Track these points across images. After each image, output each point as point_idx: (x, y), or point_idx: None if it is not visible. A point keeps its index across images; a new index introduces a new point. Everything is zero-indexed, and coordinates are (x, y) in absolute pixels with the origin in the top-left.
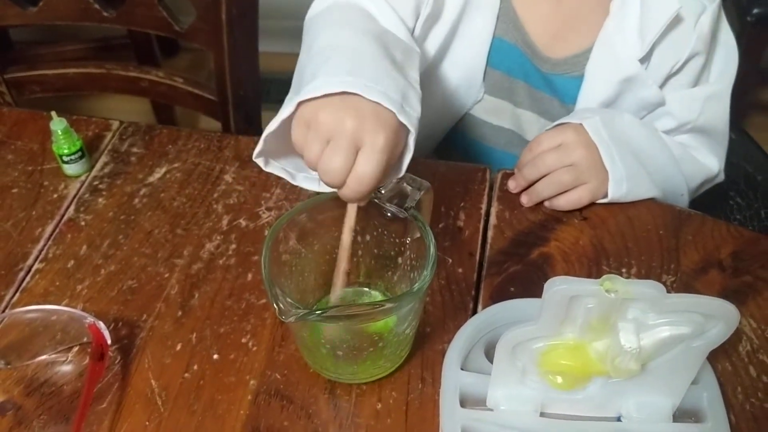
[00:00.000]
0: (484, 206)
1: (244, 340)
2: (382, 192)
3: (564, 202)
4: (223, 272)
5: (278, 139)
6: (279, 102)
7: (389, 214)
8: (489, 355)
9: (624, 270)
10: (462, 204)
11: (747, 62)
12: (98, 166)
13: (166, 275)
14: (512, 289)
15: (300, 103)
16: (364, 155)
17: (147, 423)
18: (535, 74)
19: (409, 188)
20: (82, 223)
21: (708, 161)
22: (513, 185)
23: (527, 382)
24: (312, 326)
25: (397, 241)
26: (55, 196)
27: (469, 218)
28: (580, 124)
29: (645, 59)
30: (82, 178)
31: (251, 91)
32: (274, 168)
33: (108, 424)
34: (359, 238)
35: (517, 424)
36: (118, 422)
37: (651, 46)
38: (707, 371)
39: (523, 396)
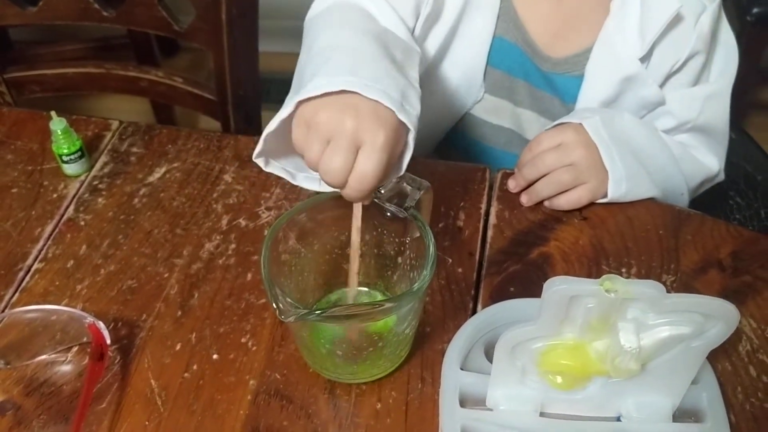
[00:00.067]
0: (483, 206)
1: (243, 340)
2: (382, 192)
3: (564, 202)
4: (222, 272)
5: (278, 138)
6: (279, 102)
7: (389, 214)
8: (489, 354)
9: (624, 270)
10: (462, 204)
11: (747, 62)
12: (98, 165)
13: (166, 275)
14: (512, 288)
15: (300, 103)
16: (365, 154)
17: (146, 423)
18: (536, 73)
19: (408, 188)
20: (82, 223)
21: (708, 160)
22: (513, 185)
23: (527, 382)
24: (311, 326)
25: (397, 240)
26: (55, 195)
27: (468, 218)
28: (580, 124)
29: (645, 58)
30: (82, 177)
31: (251, 91)
32: (274, 168)
33: (107, 424)
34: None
35: (517, 424)
36: (117, 422)
37: (651, 46)
38: (707, 371)
39: (522, 396)
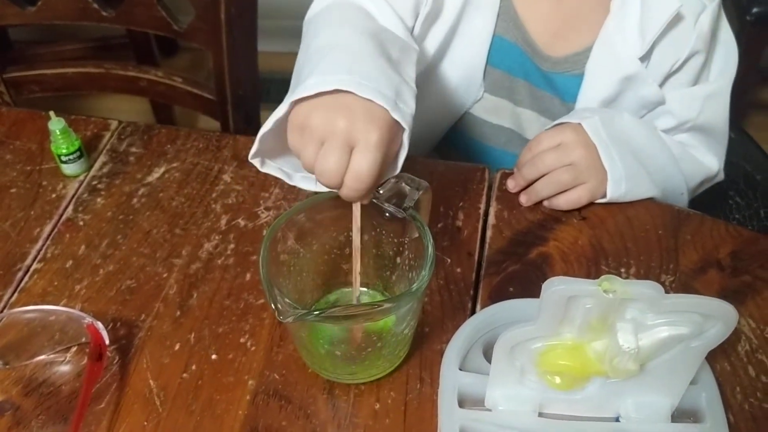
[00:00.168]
0: (482, 206)
1: (242, 340)
2: (381, 192)
3: (563, 202)
4: (221, 272)
5: (275, 138)
6: (278, 102)
7: (388, 214)
8: (487, 355)
9: (623, 270)
10: (461, 204)
11: (746, 61)
12: (97, 165)
13: (165, 275)
14: (511, 288)
15: (294, 103)
16: (359, 153)
17: (145, 423)
18: (536, 73)
19: (407, 188)
20: (81, 223)
21: (707, 160)
22: (512, 185)
23: (526, 383)
24: (310, 326)
25: (396, 241)
26: (54, 195)
27: (467, 218)
28: (579, 124)
29: (645, 58)
30: (81, 177)
31: (250, 91)
32: (271, 168)
33: (106, 424)
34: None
35: (516, 424)
36: (116, 422)
37: (651, 45)
38: (706, 371)
39: (521, 396)
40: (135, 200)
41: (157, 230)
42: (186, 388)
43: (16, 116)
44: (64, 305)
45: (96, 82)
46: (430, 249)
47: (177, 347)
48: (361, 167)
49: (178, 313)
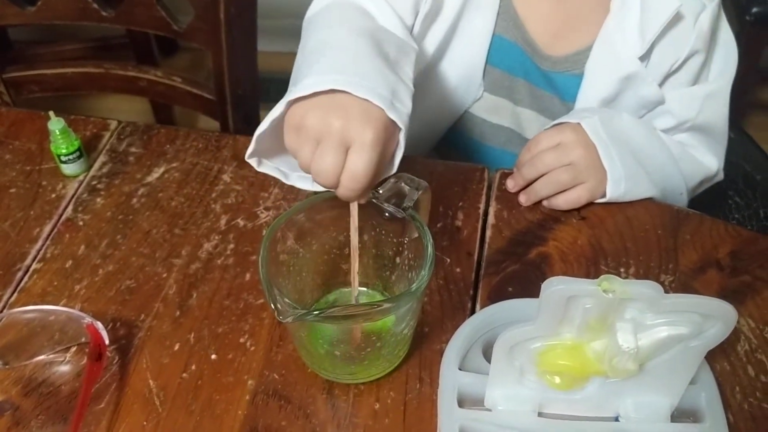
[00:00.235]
0: (482, 206)
1: (242, 340)
2: (380, 192)
3: (562, 202)
4: (221, 272)
5: (271, 138)
6: (278, 101)
7: (387, 214)
8: (487, 355)
9: (622, 270)
10: (460, 203)
11: (746, 61)
12: (96, 165)
13: (164, 275)
14: (510, 288)
15: (291, 103)
16: (354, 153)
17: (145, 423)
18: (536, 72)
19: (407, 188)
20: (80, 223)
21: (707, 160)
22: (511, 184)
23: (525, 382)
24: (310, 326)
25: (395, 240)
26: (53, 195)
27: (467, 218)
28: (579, 124)
29: (645, 57)
30: (80, 177)
31: (250, 91)
32: (267, 168)
33: (106, 424)
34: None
35: (515, 424)
36: (116, 422)
37: (651, 45)
38: (705, 371)
39: (521, 396)
40: (134, 200)
41: (157, 230)
42: (186, 388)
43: (15, 116)
44: (64, 305)
45: (96, 82)
46: (430, 249)
47: (177, 347)
48: (357, 167)
49: (178, 313)
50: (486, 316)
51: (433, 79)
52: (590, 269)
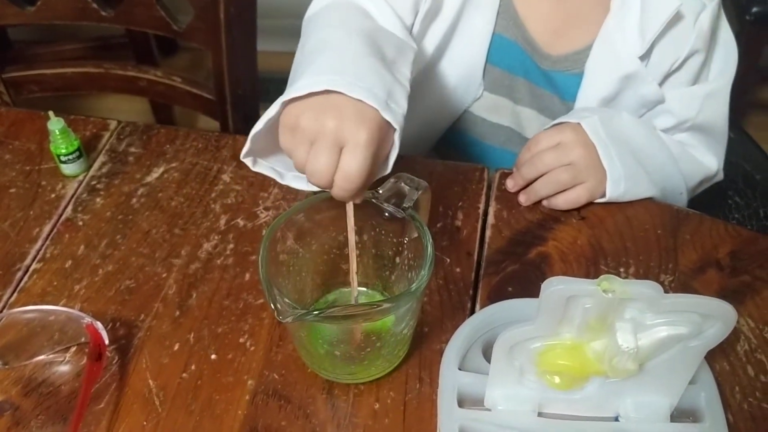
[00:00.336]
0: (482, 206)
1: (241, 340)
2: (380, 192)
3: (562, 201)
4: (220, 272)
5: (267, 138)
6: None
7: (387, 214)
8: (487, 354)
9: (622, 269)
10: (460, 203)
11: (746, 61)
12: (96, 165)
13: (164, 275)
14: (510, 288)
15: (286, 104)
16: (348, 153)
17: (145, 423)
18: (536, 71)
19: (406, 188)
20: (80, 223)
21: (707, 160)
22: (511, 184)
23: (525, 382)
24: (309, 326)
25: (395, 240)
26: (53, 195)
27: (467, 218)
28: (579, 124)
29: (645, 56)
30: (80, 177)
31: (249, 91)
32: (263, 168)
33: (106, 424)
34: (357, 238)
35: (515, 424)
36: (115, 422)
37: (651, 44)
38: (705, 371)
39: (520, 396)
40: (134, 200)
41: (157, 230)
42: (185, 388)
43: (15, 116)
44: (64, 305)
45: (95, 82)
46: (430, 249)
47: (176, 347)
48: (351, 167)
49: (178, 313)
50: (486, 316)
51: (432, 78)
52: (590, 269)
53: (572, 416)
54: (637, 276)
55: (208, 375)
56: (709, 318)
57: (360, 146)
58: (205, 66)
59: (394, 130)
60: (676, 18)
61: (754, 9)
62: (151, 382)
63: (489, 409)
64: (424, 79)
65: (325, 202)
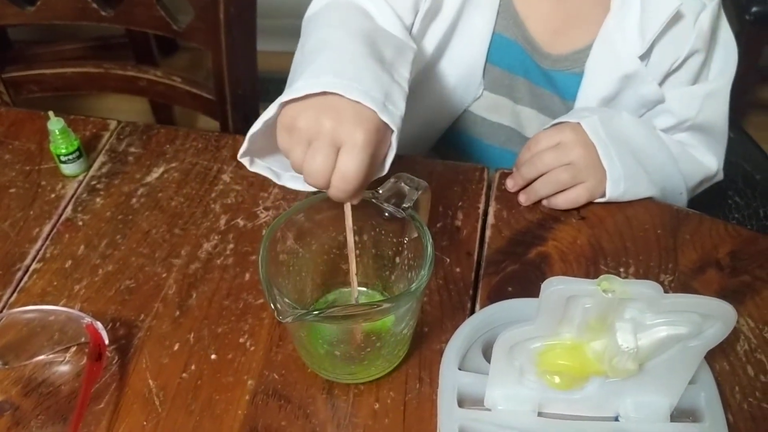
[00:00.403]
0: (482, 206)
1: (241, 340)
2: (380, 192)
3: (562, 201)
4: (220, 272)
5: (264, 138)
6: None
7: (387, 214)
8: (487, 354)
9: (622, 269)
10: (460, 203)
11: (746, 61)
12: (96, 165)
13: (164, 275)
14: (510, 288)
15: (283, 105)
16: (345, 153)
17: (145, 423)
18: (536, 70)
19: (406, 188)
20: (80, 223)
21: (706, 160)
22: (511, 184)
23: (525, 382)
24: (310, 326)
25: (395, 240)
26: (53, 196)
27: (466, 218)
28: (578, 123)
29: (645, 56)
30: (80, 177)
31: (249, 91)
32: (259, 168)
33: (106, 424)
34: (357, 238)
35: (515, 424)
36: (115, 422)
37: (651, 44)
38: (705, 371)
39: (520, 396)
40: (134, 200)
41: (156, 230)
42: (185, 388)
43: (15, 116)
44: (64, 305)
45: (95, 82)
46: (429, 249)
47: (176, 347)
48: (348, 168)
49: (178, 313)
50: (486, 316)
51: (432, 78)
52: (590, 269)
53: (572, 416)
54: (637, 276)
55: (208, 375)
56: (709, 318)
57: (357, 147)
58: (204, 66)
59: (392, 131)
60: (676, 18)
61: (754, 9)
62: (151, 382)
63: (489, 409)
64: (424, 79)
65: (325, 202)
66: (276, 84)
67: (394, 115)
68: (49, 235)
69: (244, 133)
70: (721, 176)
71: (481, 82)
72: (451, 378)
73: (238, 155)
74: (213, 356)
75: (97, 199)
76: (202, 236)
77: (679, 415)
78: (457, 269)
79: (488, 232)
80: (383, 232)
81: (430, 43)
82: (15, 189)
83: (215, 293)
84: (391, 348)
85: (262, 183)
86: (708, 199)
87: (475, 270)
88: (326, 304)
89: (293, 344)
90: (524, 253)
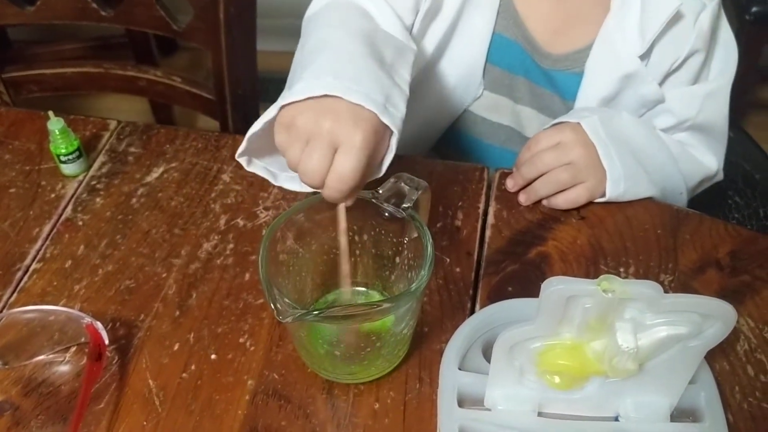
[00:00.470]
0: (482, 205)
1: (241, 340)
2: (380, 192)
3: (562, 201)
4: (220, 272)
5: (263, 138)
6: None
7: (387, 214)
8: (487, 354)
9: (622, 269)
10: (460, 203)
11: (746, 61)
12: (96, 165)
13: (164, 275)
14: (510, 288)
15: (283, 106)
16: (342, 154)
17: (145, 423)
18: (536, 70)
19: (406, 188)
20: (80, 223)
21: (706, 160)
22: (511, 184)
23: (525, 382)
24: (309, 326)
25: (395, 240)
26: (53, 195)
27: (466, 218)
28: (578, 123)
29: (645, 56)
30: (80, 177)
31: (249, 91)
32: (257, 168)
33: (106, 424)
34: (356, 238)
35: (515, 424)
36: (115, 422)
37: (651, 43)
38: (705, 371)
39: (520, 396)
40: (134, 200)
41: (156, 230)
42: (185, 388)
43: (15, 116)
44: (64, 305)
45: (95, 82)
46: (429, 249)
47: (176, 347)
48: (344, 168)
49: (178, 313)
50: (485, 316)
51: (432, 78)
52: (590, 269)
53: (572, 416)
54: (637, 276)
55: (208, 375)
56: (709, 318)
57: (355, 148)
58: (204, 66)
59: (391, 133)
60: (676, 17)
61: (754, 9)
62: (151, 382)
63: (489, 409)
64: (424, 79)
65: (325, 203)
66: (276, 84)
67: (394, 117)
68: (49, 235)
69: (244, 133)
70: (721, 176)
71: (481, 82)
72: (451, 378)
73: (237, 155)
74: (213, 356)
75: (97, 199)
76: (202, 236)
77: (679, 415)
78: (457, 269)
79: (488, 232)
80: (383, 232)
81: (430, 43)
82: (15, 189)
83: (215, 293)
84: (391, 348)
85: (262, 183)
86: (708, 199)
87: (475, 270)
88: (326, 304)
89: (293, 344)
90: (524, 253)
